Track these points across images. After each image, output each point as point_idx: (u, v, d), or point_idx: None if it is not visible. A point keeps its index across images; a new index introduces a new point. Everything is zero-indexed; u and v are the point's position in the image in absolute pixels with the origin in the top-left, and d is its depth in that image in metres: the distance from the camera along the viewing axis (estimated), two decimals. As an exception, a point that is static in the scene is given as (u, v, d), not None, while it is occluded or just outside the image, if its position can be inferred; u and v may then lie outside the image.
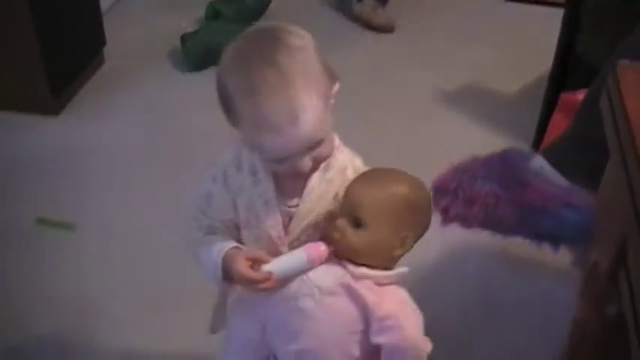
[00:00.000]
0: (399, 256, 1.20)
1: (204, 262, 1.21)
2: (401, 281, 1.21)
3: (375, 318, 1.15)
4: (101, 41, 3.00)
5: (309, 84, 1.07)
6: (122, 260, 2.10)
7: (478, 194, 1.67)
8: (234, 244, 1.20)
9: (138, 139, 2.61)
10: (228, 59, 1.12)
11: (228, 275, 1.18)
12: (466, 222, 1.68)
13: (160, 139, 2.61)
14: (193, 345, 1.80)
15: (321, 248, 1.16)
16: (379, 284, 1.17)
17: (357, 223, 1.16)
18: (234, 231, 1.23)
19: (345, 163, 1.22)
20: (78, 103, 2.80)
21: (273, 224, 1.19)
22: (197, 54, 2.99)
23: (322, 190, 1.20)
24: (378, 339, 1.16)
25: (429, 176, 1.74)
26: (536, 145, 2.41)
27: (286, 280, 1.17)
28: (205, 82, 3.02)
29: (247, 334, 1.23)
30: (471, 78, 2.96)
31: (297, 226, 1.20)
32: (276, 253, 1.19)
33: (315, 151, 1.12)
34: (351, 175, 1.22)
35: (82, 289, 2.00)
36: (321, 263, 1.17)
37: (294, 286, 1.17)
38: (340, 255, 1.18)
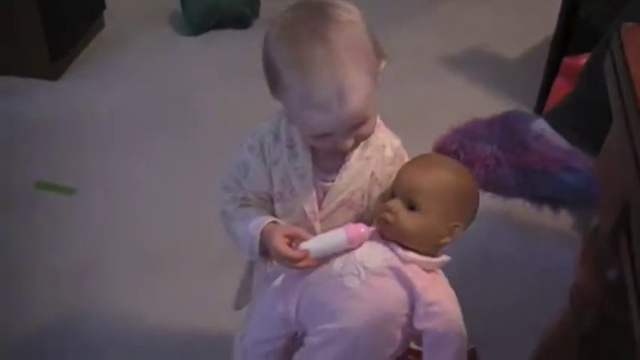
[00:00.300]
0: (444, 245, 1.19)
1: (240, 235, 1.19)
2: (442, 269, 1.21)
3: (421, 303, 1.14)
4: (101, 5, 2.98)
5: (358, 61, 1.05)
6: (124, 224, 2.11)
7: (478, 155, 1.68)
8: (272, 218, 1.18)
9: (138, 102, 2.60)
10: (276, 33, 1.08)
11: (264, 250, 1.17)
12: None
13: (161, 102, 2.61)
14: (199, 308, 1.81)
15: (361, 230, 1.15)
16: (425, 270, 1.17)
17: (411, 206, 1.15)
18: (268, 204, 1.22)
19: (384, 142, 1.21)
20: (77, 68, 2.79)
21: (307, 198, 1.18)
22: (197, 17, 2.96)
23: (359, 167, 1.19)
24: (422, 324, 1.14)
25: (429, 137, 1.74)
26: (539, 109, 2.41)
27: (323, 259, 1.16)
28: (206, 44, 3.05)
29: (279, 309, 1.20)
30: (473, 41, 2.95)
31: (332, 202, 1.19)
32: (308, 228, 1.18)
33: (359, 130, 1.10)
34: (389, 154, 1.21)
35: (84, 253, 2.01)
36: (360, 245, 1.15)
37: (338, 264, 1.15)
38: (389, 236, 1.17)
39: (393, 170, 1.21)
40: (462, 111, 1.81)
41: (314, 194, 1.19)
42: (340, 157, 1.17)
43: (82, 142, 2.43)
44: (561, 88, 2.15)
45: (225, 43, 2.93)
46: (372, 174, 1.20)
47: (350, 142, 1.11)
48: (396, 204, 1.15)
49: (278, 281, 1.22)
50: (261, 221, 1.17)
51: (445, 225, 1.16)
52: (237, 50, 2.88)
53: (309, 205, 1.18)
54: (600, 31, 1.81)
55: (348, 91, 1.03)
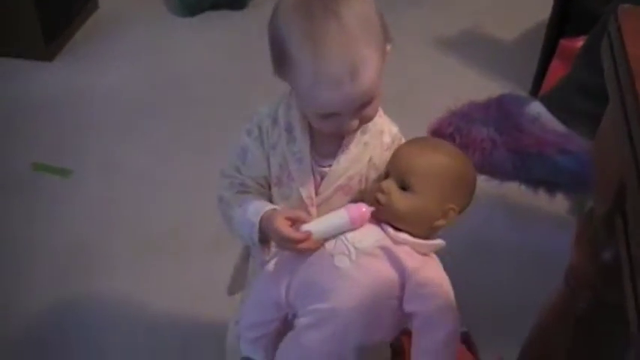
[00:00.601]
0: (439, 228, 1.18)
1: (239, 221, 1.18)
2: (437, 253, 1.20)
3: (412, 284, 1.12)
4: (95, -15, 2.97)
5: (369, 37, 1.05)
6: (121, 204, 2.11)
7: (474, 139, 1.67)
8: (272, 205, 1.17)
9: (133, 83, 2.60)
10: (287, 9, 1.07)
11: (262, 237, 1.16)
12: None
13: (155, 82, 2.60)
14: (197, 291, 1.81)
15: (362, 209, 1.13)
16: (418, 253, 1.16)
17: (404, 187, 1.14)
18: (267, 190, 1.21)
19: (383, 128, 1.21)
20: (72, 49, 2.78)
21: (304, 183, 1.17)
22: (191, -1, 2.95)
23: (358, 152, 1.18)
24: (412, 307, 1.13)
25: (424, 120, 1.74)
26: (535, 91, 2.40)
27: (326, 240, 1.15)
28: (200, 26, 3.05)
29: (271, 292, 1.19)
30: (469, 23, 2.94)
31: (329, 187, 1.18)
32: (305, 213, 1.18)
33: (365, 111, 1.10)
34: (387, 140, 1.21)
35: (82, 234, 2.01)
36: (362, 224, 1.14)
37: (329, 244, 1.15)
38: (381, 218, 1.16)
39: (390, 156, 1.20)
40: (457, 93, 1.81)
41: (311, 179, 1.18)
42: (338, 141, 1.17)
43: (78, 124, 2.42)
44: (558, 71, 2.14)
45: (221, 24, 2.92)
46: (370, 159, 1.20)
47: (355, 124, 1.11)
48: (388, 184, 1.15)
49: (271, 265, 1.22)
50: (260, 207, 1.16)
51: (439, 207, 1.16)
52: (232, 31, 2.87)
53: (306, 190, 1.18)
54: (597, 13, 1.80)
55: (360, 67, 1.03)
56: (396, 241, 1.15)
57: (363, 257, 1.13)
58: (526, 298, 1.63)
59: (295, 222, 1.13)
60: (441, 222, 1.17)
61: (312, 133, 1.16)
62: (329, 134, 1.14)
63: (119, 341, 1.74)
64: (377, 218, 1.16)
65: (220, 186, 1.22)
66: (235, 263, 1.38)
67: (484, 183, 1.77)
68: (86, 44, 2.80)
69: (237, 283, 1.37)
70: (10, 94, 2.53)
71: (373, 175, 1.22)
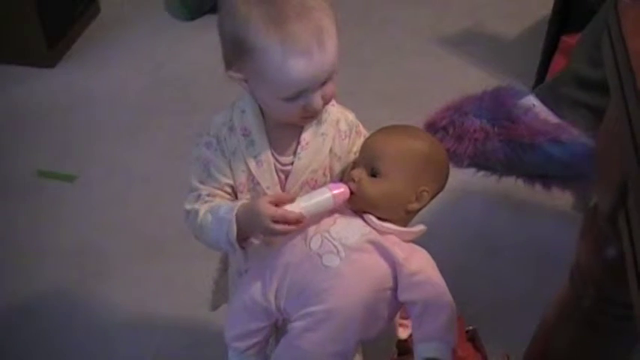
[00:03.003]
0: (415, 212, 1.19)
1: (211, 227, 1.16)
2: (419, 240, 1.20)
3: (405, 274, 1.13)
4: (96, -10, 2.97)
5: (325, 7, 1.08)
6: (126, 208, 2.11)
7: (467, 129, 1.68)
8: (243, 201, 1.17)
9: (136, 88, 2.60)
10: (238, 2, 1.08)
11: (240, 235, 1.14)
12: (457, 157, 1.69)
13: (158, 85, 2.60)
14: (203, 291, 1.81)
15: (341, 189, 1.14)
16: (404, 241, 1.17)
17: (373, 173, 1.15)
18: (234, 198, 1.21)
19: (338, 117, 1.22)
20: (74, 54, 2.78)
21: (270, 184, 1.18)
22: (193, 2, 2.95)
23: (317, 144, 1.19)
24: (408, 296, 1.13)
25: (422, 113, 1.74)
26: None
27: (310, 219, 1.14)
28: (202, 29, 3.05)
29: (259, 297, 1.18)
30: (471, 20, 2.93)
31: (294, 184, 1.19)
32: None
33: (326, 87, 1.11)
34: (344, 128, 1.22)
35: (87, 238, 2.02)
36: (341, 203, 1.15)
37: (316, 242, 1.15)
38: (357, 206, 1.17)
39: (350, 143, 1.22)
40: (459, 90, 1.81)
41: (276, 179, 1.18)
42: (296, 137, 1.18)
43: (82, 129, 2.42)
44: (559, 67, 2.14)
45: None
46: (331, 150, 1.21)
47: (320, 102, 1.12)
48: (358, 172, 1.16)
49: (253, 272, 1.21)
50: (233, 205, 1.15)
51: (411, 190, 1.17)
52: (234, 34, 2.86)
53: (273, 191, 1.18)
54: (598, 9, 1.81)
55: (325, 34, 1.06)
56: (381, 232, 1.15)
57: (353, 253, 1.14)
58: (532, 295, 1.63)
59: (279, 204, 1.12)
60: (414, 205, 1.18)
61: (269, 133, 1.17)
62: (292, 123, 1.15)
63: (125, 344, 1.74)
64: (352, 209, 1.17)
65: (187, 201, 1.22)
66: (214, 277, 1.37)
67: (485, 180, 1.77)
68: (88, 49, 2.80)
69: (219, 297, 1.36)
70: (13, 101, 2.54)
71: (337, 166, 1.22)
